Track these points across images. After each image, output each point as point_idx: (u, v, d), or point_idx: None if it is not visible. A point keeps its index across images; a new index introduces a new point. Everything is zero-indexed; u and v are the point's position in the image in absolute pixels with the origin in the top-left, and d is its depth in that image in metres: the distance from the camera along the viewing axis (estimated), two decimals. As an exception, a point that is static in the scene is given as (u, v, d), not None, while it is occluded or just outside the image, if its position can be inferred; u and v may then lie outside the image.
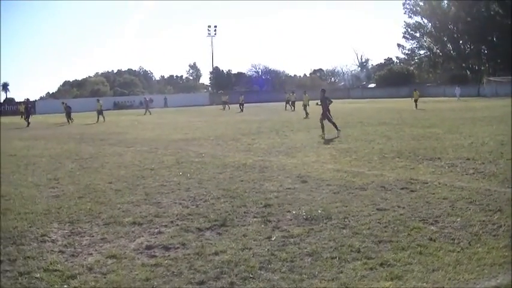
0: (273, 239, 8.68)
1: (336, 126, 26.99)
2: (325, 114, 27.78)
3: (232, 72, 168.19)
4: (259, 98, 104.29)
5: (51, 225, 10.37)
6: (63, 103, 57.23)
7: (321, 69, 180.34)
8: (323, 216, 9.88)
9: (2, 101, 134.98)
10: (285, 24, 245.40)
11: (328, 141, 23.25)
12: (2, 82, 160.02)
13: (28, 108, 58.30)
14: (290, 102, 62.28)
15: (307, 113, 44.92)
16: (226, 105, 76.52)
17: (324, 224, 9.45)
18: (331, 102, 28.73)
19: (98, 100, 57.11)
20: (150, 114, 67.05)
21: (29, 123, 52.13)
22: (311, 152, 20.05)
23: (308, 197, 11.89)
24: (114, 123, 47.92)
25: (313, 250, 7.96)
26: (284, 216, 10.21)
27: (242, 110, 63.56)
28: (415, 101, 54.04)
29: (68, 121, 50.82)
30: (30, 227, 10.31)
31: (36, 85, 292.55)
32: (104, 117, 52.34)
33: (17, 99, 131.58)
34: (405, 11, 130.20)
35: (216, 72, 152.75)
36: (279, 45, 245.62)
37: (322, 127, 27.41)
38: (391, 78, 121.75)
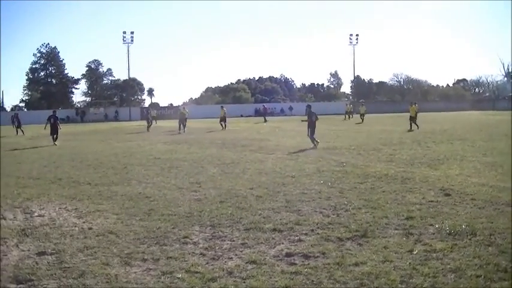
0: (414, 252, 8.49)
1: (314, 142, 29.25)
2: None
3: (374, 81, 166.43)
4: (398, 108, 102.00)
5: (192, 228, 10.68)
6: (183, 108, 57.82)
7: (464, 79, 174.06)
8: (467, 232, 9.55)
9: (147, 105, 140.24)
10: (427, 32, 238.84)
11: (471, 154, 22.38)
12: (148, 88, 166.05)
13: (146, 114, 59.95)
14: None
15: (416, 125, 43.33)
16: (350, 115, 76.41)
17: (468, 240, 9.13)
18: (317, 118, 30.61)
19: (222, 107, 57.45)
20: (266, 121, 67.94)
21: (148, 128, 54.16)
22: (454, 164, 19.47)
23: (451, 210, 11.57)
24: (255, 130, 48.53)
25: (457, 266, 7.71)
26: (426, 229, 9.98)
27: (362, 121, 62.18)
28: None
29: (180, 128, 49.72)
30: (173, 228, 10.68)
31: (181, 91, 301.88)
32: (225, 125, 51.78)
33: (162, 104, 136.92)
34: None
35: (357, 81, 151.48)
36: (421, 53, 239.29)
37: (312, 141, 29.48)
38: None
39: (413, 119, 44.00)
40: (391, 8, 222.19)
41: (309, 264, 8.11)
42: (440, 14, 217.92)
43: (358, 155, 23.65)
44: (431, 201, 12.66)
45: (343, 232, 9.89)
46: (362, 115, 64.46)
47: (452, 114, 77.13)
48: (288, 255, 8.63)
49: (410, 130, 41.77)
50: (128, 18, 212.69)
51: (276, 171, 18.67)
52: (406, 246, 8.82)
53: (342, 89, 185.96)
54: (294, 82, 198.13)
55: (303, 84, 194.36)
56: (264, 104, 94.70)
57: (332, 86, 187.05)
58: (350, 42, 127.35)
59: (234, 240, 9.65)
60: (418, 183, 15.27)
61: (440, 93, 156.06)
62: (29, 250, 9.32)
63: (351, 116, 75.25)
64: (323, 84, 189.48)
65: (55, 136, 36.71)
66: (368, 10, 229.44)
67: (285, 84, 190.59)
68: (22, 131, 53.98)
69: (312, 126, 29.92)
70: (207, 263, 8.35)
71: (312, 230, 10.17)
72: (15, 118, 56.77)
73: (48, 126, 37.26)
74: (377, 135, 37.50)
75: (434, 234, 9.63)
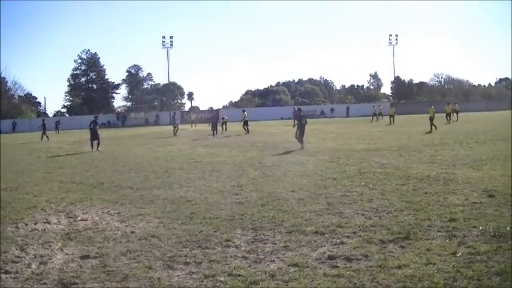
0: (458, 255, 8.38)
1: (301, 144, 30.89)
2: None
3: (414, 81, 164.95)
4: (439, 108, 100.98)
5: (234, 231, 10.71)
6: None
7: (507, 78, 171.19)
8: (512, 234, 9.38)
9: (187, 109, 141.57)
10: (468, 30, 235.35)
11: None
12: (188, 91, 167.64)
13: (173, 119, 59.24)
14: (445, 114, 58.97)
15: (433, 126, 42.81)
16: (378, 117, 76.95)
17: (512, 242, 8.96)
18: (307, 122, 32.89)
19: (243, 111, 57.10)
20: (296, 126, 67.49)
21: (174, 132, 53.80)
22: (498, 165, 19.14)
23: (495, 212, 11.37)
24: (295, 132, 48.27)
25: (502, 269, 7.58)
26: (470, 231, 9.84)
27: (393, 122, 61.77)
28: None
29: (214, 134, 47.85)
30: (214, 231, 10.72)
31: (220, 94, 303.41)
32: (247, 128, 51.50)
33: (201, 108, 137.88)
34: None
35: (397, 82, 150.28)
36: (462, 52, 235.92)
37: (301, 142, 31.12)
38: None
39: (432, 120, 43.61)
40: (431, 7, 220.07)
41: (351, 267, 8.07)
42: (481, 12, 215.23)
43: (400, 156, 23.48)
44: (475, 202, 12.48)
45: (385, 234, 9.83)
46: (391, 116, 63.98)
47: (495, 114, 75.94)
48: (330, 258, 8.59)
49: (430, 132, 41.25)
50: (167, 23, 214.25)
51: (317, 174, 18.63)
52: (449, 249, 8.71)
53: (382, 90, 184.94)
54: (334, 84, 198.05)
55: (343, 86, 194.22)
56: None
57: (372, 87, 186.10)
58: (390, 43, 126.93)
59: (276, 243, 9.64)
60: (460, 185, 15.08)
61: (482, 93, 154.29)
62: (73, 254, 9.45)
63: (380, 117, 76.08)
64: (363, 85, 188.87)
65: (95, 142, 36.00)
66: (407, 10, 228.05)
67: (324, 86, 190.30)
68: (47, 136, 55.35)
69: (301, 129, 31.41)
70: (250, 266, 8.36)
71: (354, 233, 10.12)
72: (44, 124, 57.97)
73: (91, 132, 36.97)
74: (418, 136, 37.23)
75: (478, 236, 9.49)
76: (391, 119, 63.20)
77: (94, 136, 36.29)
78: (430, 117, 44.20)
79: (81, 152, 35.09)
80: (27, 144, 49.16)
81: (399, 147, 28.14)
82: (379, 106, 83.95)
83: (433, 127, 42.55)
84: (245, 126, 51.61)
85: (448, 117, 56.49)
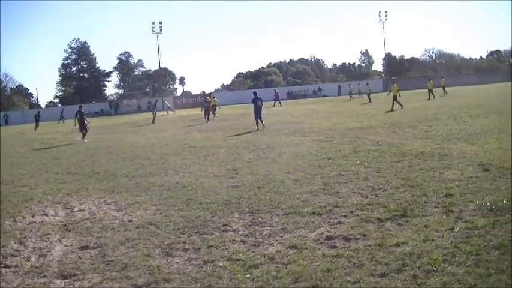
0: (456, 230, 8.41)
1: (259, 124, 32.73)
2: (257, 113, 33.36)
3: (405, 57, 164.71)
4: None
5: (232, 215, 10.73)
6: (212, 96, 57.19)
7: (498, 50, 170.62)
8: (509, 207, 9.37)
9: (179, 94, 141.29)
10: (456, 3, 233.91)
11: (509, 127, 21.81)
12: (179, 76, 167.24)
13: (152, 106, 59.60)
14: (428, 90, 58.24)
15: (399, 105, 42.55)
16: (356, 95, 78.00)
17: (510, 215, 8.96)
18: (262, 104, 33.78)
19: (213, 97, 55.95)
20: (275, 105, 67.18)
21: (153, 120, 52.57)
22: (492, 138, 19.10)
23: (491, 186, 11.39)
24: (289, 113, 48.27)
25: (500, 243, 7.60)
26: (467, 206, 9.86)
27: (370, 100, 61.09)
28: None
29: (206, 119, 47.12)
30: (212, 216, 10.74)
31: (212, 77, 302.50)
32: (214, 113, 50.55)
33: (194, 92, 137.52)
34: None
35: (388, 58, 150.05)
36: (452, 26, 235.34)
37: (257, 123, 32.83)
38: None
39: (395, 98, 43.47)
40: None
41: (349, 246, 8.10)
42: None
43: (394, 133, 23.50)
44: (470, 177, 12.49)
45: (382, 212, 9.85)
46: (368, 95, 64.54)
47: (488, 87, 75.89)
48: (328, 238, 8.62)
49: (392, 110, 41.11)
50: (156, 8, 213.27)
51: (312, 154, 18.65)
52: (447, 224, 8.74)
53: (374, 67, 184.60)
54: (325, 63, 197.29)
55: (334, 65, 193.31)
56: (275, 89, 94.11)
57: (363, 65, 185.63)
58: (379, 19, 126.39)
59: (273, 226, 9.67)
60: (455, 159, 15.09)
61: (474, 66, 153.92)
62: (71, 245, 9.46)
63: (359, 95, 77.88)
64: (354, 63, 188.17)
65: (84, 132, 35.70)
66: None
67: (315, 65, 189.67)
68: (36, 127, 57.06)
69: (258, 110, 32.76)
70: (248, 250, 8.38)
71: (351, 212, 10.15)
72: (37, 116, 60.44)
73: (78, 122, 36.45)
74: (411, 112, 37.15)
75: (475, 210, 9.52)
76: (369, 97, 63.50)
77: (82, 126, 35.93)
78: (394, 95, 44.05)
79: (75, 142, 34.90)
80: (21, 135, 49.09)
81: (393, 124, 28.16)
82: (358, 84, 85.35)
83: (400, 105, 42.43)
84: (210, 111, 50.28)
85: (431, 93, 55.97)
